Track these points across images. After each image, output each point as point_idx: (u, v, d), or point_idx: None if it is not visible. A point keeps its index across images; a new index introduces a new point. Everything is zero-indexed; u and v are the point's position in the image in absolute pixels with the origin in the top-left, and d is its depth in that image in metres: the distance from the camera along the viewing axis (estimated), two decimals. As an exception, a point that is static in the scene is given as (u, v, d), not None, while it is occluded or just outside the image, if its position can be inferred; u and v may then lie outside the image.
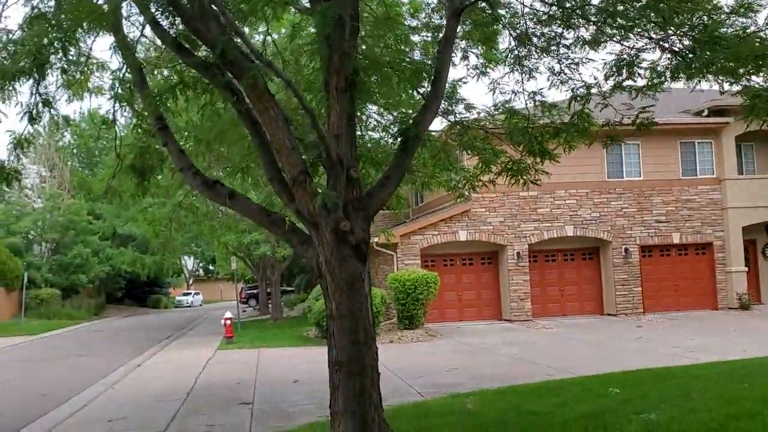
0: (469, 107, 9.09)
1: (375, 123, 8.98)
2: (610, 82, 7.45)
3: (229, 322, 21.02)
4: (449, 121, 9.40)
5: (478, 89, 38.48)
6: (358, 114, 7.83)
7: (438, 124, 10.98)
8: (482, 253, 22.92)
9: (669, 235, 23.23)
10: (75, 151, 54.75)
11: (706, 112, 22.97)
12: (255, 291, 48.02)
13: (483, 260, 23.04)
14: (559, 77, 8.35)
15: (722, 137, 23.18)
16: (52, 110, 8.03)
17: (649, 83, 7.20)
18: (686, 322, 20.43)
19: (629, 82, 7.49)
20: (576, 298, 23.34)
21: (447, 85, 7.71)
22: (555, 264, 23.37)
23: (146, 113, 8.69)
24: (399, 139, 7.02)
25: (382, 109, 8.53)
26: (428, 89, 7.38)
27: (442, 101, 7.78)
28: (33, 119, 7.72)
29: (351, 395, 6.18)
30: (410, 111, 8.61)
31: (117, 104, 9.04)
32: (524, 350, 15.78)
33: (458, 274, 22.77)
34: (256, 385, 12.85)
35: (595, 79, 7.93)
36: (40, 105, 7.95)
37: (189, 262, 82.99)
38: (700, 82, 7.14)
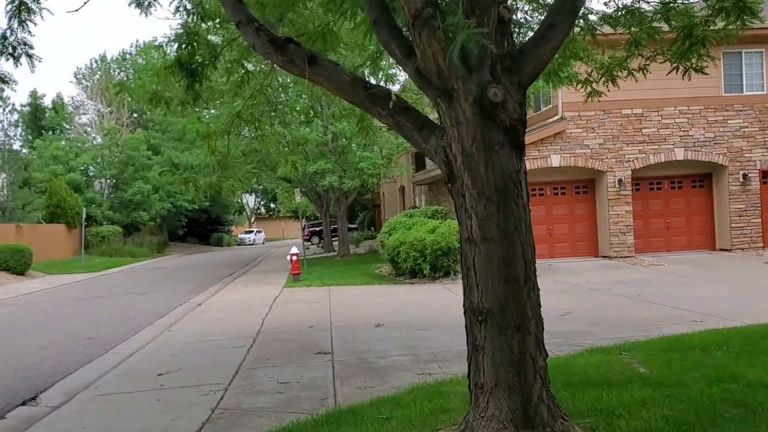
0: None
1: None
2: None
3: (295, 258, 19.16)
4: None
5: None
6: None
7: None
8: (577, 180, 20.18)
9: (796, 158, 20.01)
10: (132, 85, 53.22)
11: None
12: (318, 228, 46.48)
13: (578, 189, 20.32)
14: None
15: None
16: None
17: None
18: (822, 258, 17.51)
19: None
20: (683, 231, 20.50)
21: None
22: (660, 193, 20.49)
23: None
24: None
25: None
26: None
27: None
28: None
29: (505, 361, 3.94)
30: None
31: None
32: (642, 290, 13.32)
33: (548, 205, 20.16)
34: (332, 329, 10.84)
35: None
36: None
37: (250, 200, 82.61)
38: None
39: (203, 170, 20.07)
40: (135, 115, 51.80)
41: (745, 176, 19.77)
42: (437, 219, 19.80)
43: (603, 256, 19.76)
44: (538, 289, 4.11)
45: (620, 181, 19.36)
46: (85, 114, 52.09)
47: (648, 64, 7.69)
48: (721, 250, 20.08)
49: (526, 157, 15.42)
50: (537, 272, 4.14)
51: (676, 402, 4.50)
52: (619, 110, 19.28)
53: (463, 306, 4.19)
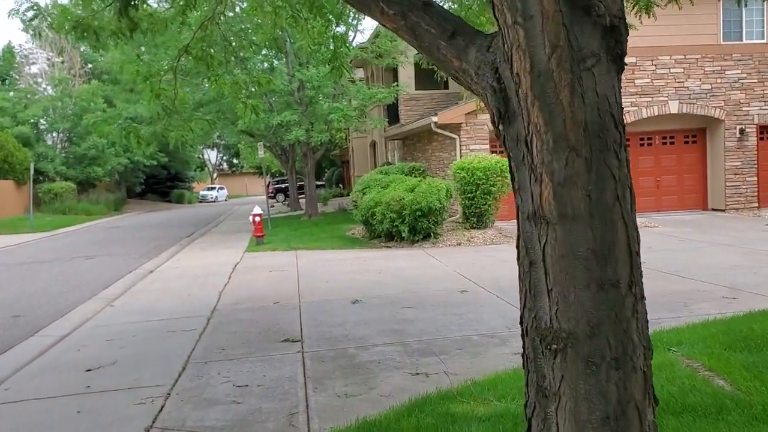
0: None
1: None
2: None
3: (258, 218, 17.46)
4: None
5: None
6: None
7: None
8: (564, 135, 18.69)
9: (796, 112, 18.79)
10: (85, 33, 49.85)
11: None
12: (284, 185, 44.58)
13: (565, 144, 18.85)
14: None
15: None
16: None
17: None
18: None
19: None
20: (675, 190, 19.27)
21: None
22: (651, 149, 19.14)
23: None
24: None
25: None
26: None
27: None
28: None
29: (596, 417, 2.40)
30: None
31: None
32: (645, 257, 11.61)
33: (533, 161, 18.68)
34: (301, 305, 9.28)
35: None
36: None
37: (212, 156, 79.99)
38: None
39: (158, 122, 18.09)
40: (89, 65, 48.72)
41: (742, 131, 18.52)
42: (415, 176, 18.21)
43: (591, 217, 18.46)
44: (645, 299, 2.58)
45: (612, 135, 17.94)
46: (34, 63, 48.90)
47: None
48: (714, 210, 18.94)
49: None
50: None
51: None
52: (612, 59, 17.75)
53: (520, 323, 2.63)
